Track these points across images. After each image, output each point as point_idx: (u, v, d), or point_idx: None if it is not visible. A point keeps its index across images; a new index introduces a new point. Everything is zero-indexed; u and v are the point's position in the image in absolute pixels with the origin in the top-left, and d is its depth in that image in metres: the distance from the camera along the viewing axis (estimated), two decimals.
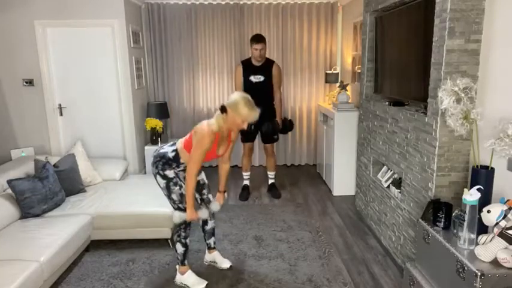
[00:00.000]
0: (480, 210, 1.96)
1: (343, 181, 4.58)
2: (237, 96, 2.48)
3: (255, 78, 4.28)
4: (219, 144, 2.62)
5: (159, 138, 5.07)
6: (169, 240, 3.38)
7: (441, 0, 2.32)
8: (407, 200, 2.85)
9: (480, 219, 1.95)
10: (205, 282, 2.79)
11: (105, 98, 4.78)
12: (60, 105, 4.76)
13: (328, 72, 5.40)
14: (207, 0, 5.33)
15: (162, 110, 5.13)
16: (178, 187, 2.64)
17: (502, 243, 1.83)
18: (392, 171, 3.30)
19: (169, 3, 5.33)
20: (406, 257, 2.86)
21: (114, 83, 4.75)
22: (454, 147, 2.41)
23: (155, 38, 5.38)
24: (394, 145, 3.08)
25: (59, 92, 4.73)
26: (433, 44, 2.43)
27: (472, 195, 1.96)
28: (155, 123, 4.97)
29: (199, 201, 2.90)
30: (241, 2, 5.37)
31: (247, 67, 4.30)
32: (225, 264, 3.02)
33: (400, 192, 3.06)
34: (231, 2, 5.36)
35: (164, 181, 2.63)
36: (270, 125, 4.24)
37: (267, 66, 4.30)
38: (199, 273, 2.88)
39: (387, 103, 3.23)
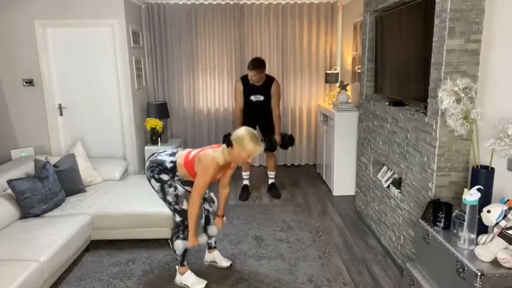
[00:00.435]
0: (480, 210, 1.96)
1: (343, 181, 4.58)
2: (243, 131, 2.52)
3: (255, 98, 4.28)
4: (220, 171, 2.68)
5: (159, 138, 5.07)
6: (169, 240, 3.39)
7: (441, 0, 2.32)
8: (407, 200, 2.84)
9: (480, 219, 1.95)
10: (204, 282, 2.79)
11: (105, 98, 4.78)
12: (60, 105, 4.77)
13: (328, 72, 5.40)
14: (207, 0, 5.34)
15: (162, 110, 5.13)
16: (173, 188, 2.67)
17: (502, 243, 1.83)
18: (392, 171, 3.30)
19: (169, 3, 5.33)
20: (406, 257, 2.86)
21: (114, 83, 4.75)
22: (454, 147, 2.41)
23: (155, 38, 5.38)
24: (394, 145, 3.08)
25: (59, 92, 4.73)
26: (433, 44, 2.43)
27: (472, 195, 1.96)
28: (155, 123, 4.97)
29: (202, 201, 2.91)
30: (241, 2, 5.37)
31: (248, 85, 4.25)
32: (225, 262, 3.04)
33: (400, 192, 3.06)
34: (231, 2, 5.36)
35: (159, 184, 2.66)
36: (267, 141, 4.18)
37: (266, 85, 4.25)
38: (199, 273, 2.88)
39: (387, 103, 3.23)
